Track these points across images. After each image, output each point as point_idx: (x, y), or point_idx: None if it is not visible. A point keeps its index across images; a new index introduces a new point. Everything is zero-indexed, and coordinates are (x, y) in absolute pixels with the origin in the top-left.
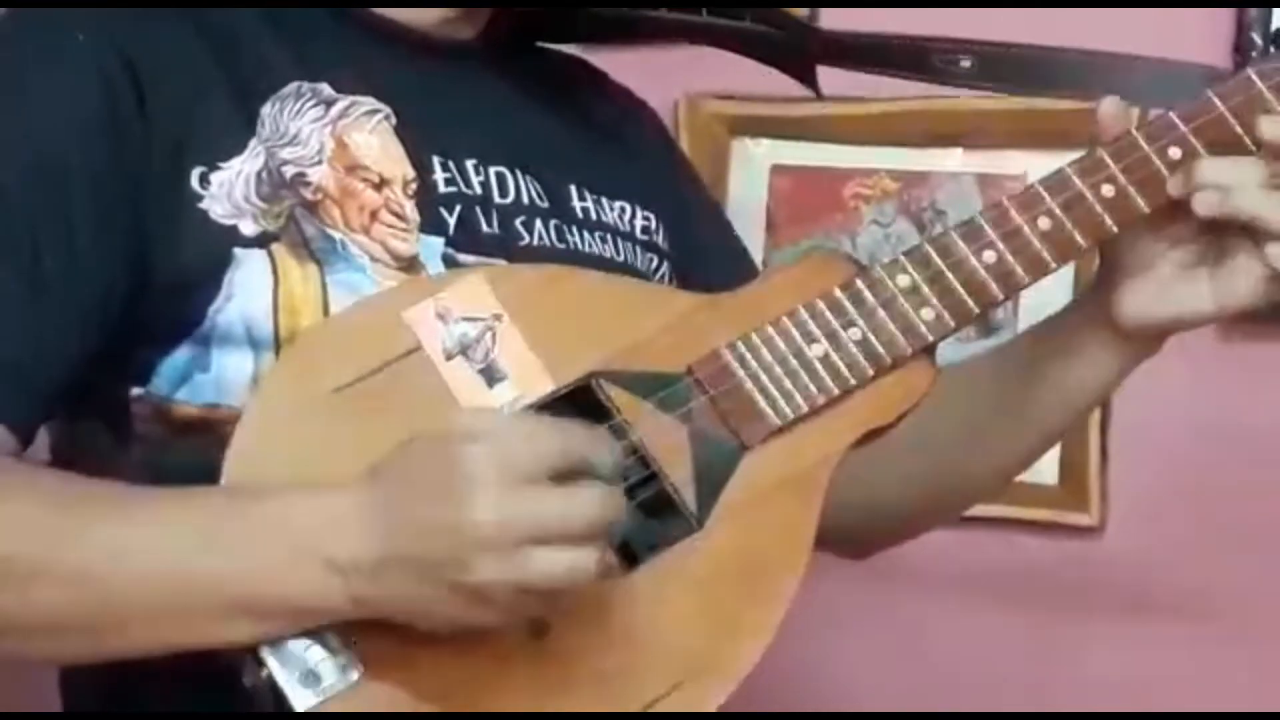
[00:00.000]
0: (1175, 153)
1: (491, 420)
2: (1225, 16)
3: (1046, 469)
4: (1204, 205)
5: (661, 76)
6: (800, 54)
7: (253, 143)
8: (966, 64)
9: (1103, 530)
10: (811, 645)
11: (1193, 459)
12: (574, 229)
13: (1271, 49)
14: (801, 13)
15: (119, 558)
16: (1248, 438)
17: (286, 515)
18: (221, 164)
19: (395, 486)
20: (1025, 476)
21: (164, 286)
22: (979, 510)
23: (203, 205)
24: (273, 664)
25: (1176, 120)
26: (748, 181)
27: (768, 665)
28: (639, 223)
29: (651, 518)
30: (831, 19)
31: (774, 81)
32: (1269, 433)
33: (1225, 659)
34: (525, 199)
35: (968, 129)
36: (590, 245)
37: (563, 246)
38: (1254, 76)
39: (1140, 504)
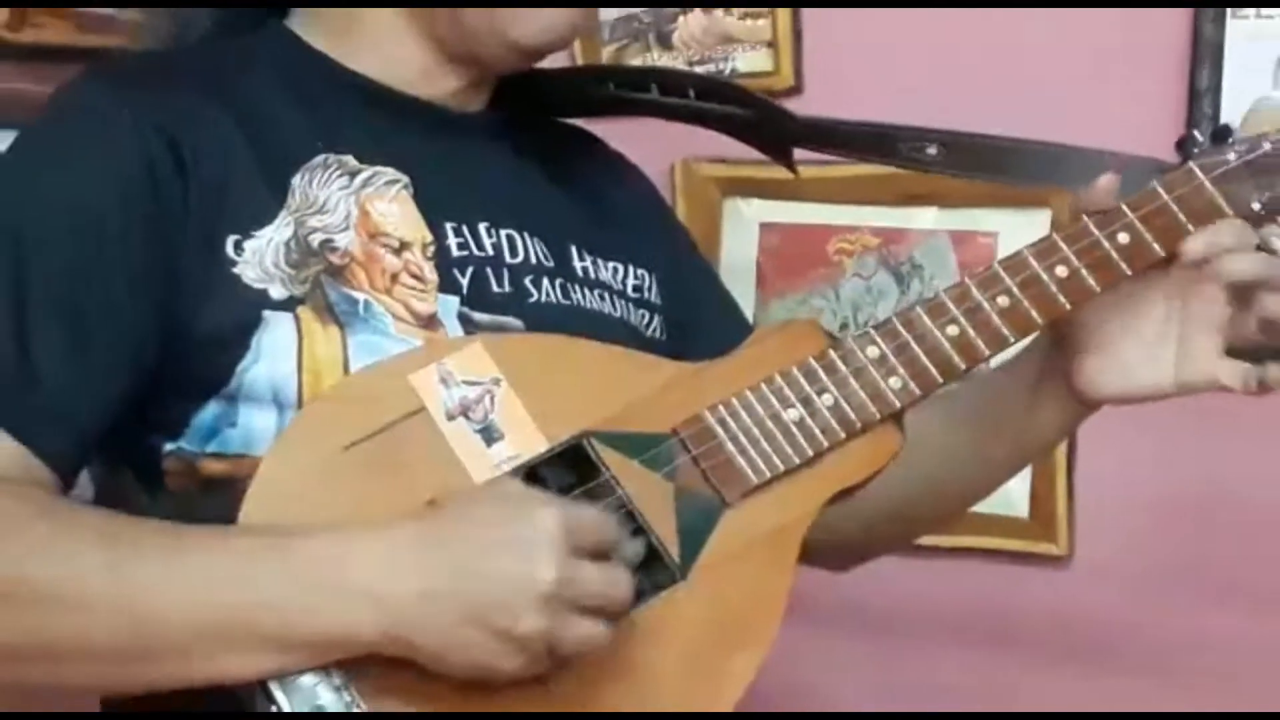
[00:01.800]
0: (1124, 238)
1: (549, 494)
2: (1173, 114)
3: (1018, 502)
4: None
5: (659, 141)
6: (778, 137)
7: (282, 214)
8: (932, 151)
9: (1070, 559)
10: (792, 668)
11: (1155, 491)
12: (576, 286)
13: (1211, 145)
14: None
15: (156, 589)
16: (1207, 471)
17: (329, 549)
18: (254, 233)
19: (461, 529)
20: (999, 510)
21: (197, 345)
22: (958, 540)
23: (236, 270)
24: (281, 699)
25: (1125, 209)
26: (739, 238)
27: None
28: (630, 281)
29: (638, 569)
30: (816, 101)
31: None
32: (1227, 466)
33: (1184, 676)
34: (533, 259)
35: (942, 189)
36: (591, 302)
37: (567, 303)
38: (1195, 169)
39: (1106, 534)
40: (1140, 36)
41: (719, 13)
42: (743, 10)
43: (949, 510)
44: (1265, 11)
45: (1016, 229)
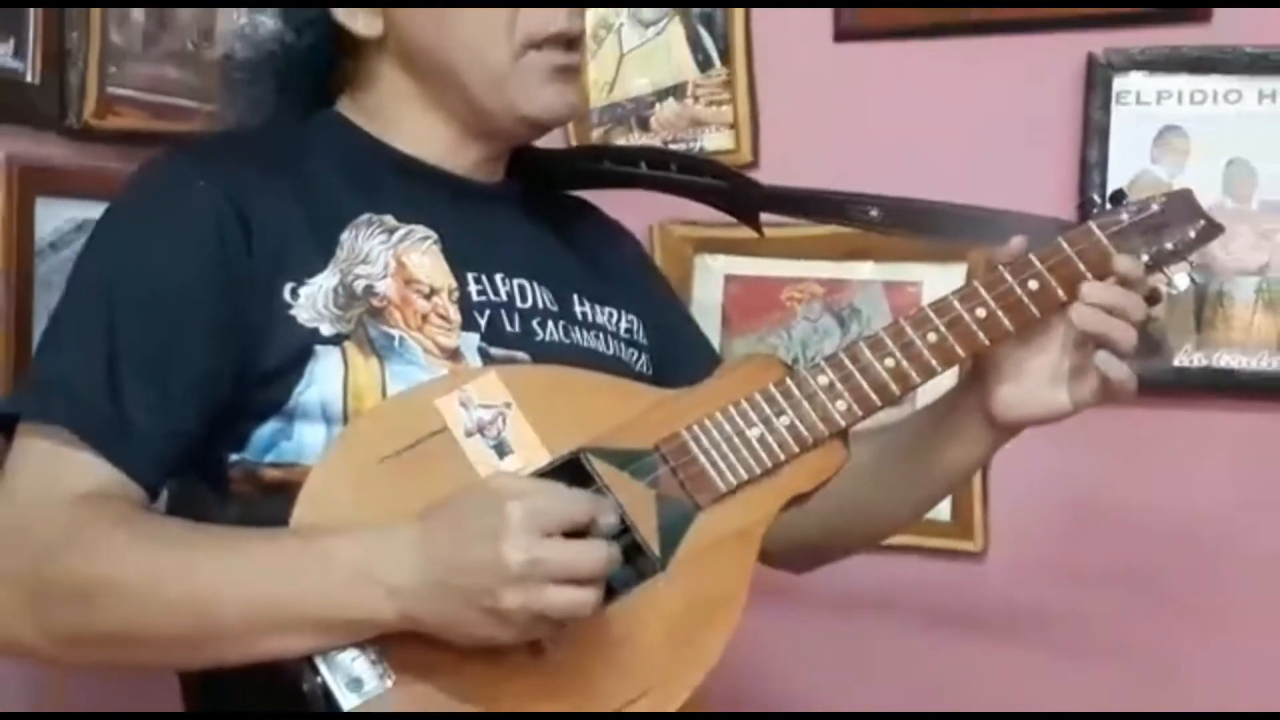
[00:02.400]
0: (1034, 285)
1: (526, 483)
2: (1068, 186)
3: (941, 507)
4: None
5: (641, 207)
6: (747, 203)
7: (331, 265)
8: (875, 213)
9: (985, 554)
10: (750, 650)
11: (1057, 497)
12: (576, 328)
13: (1106, 206)
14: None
15: (217, 585)
16: (1100, 481)
17: (352, 549)
18: (307, 281)
19: (447, 527)
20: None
21: (261, 374)
22: (893, 540)
23: (292, 312)
24: (325, 672)
25: (1034, 259)
26: (708, 288)
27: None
28: (623, 324)
29: (626, 562)
30: (771, 174)
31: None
32: (1117, 477)
33: (1080, 654)
34: (540, 304)
35: (876, 247)
36: (589, 341)
37: (568, 342)
38: (1093, 227)
39: (1015, 534)
40: (1041, 121)
41: (689, 101)
42: (709, 98)
43: (891, 524)
44: (1144, 99)
45: (938, 279)
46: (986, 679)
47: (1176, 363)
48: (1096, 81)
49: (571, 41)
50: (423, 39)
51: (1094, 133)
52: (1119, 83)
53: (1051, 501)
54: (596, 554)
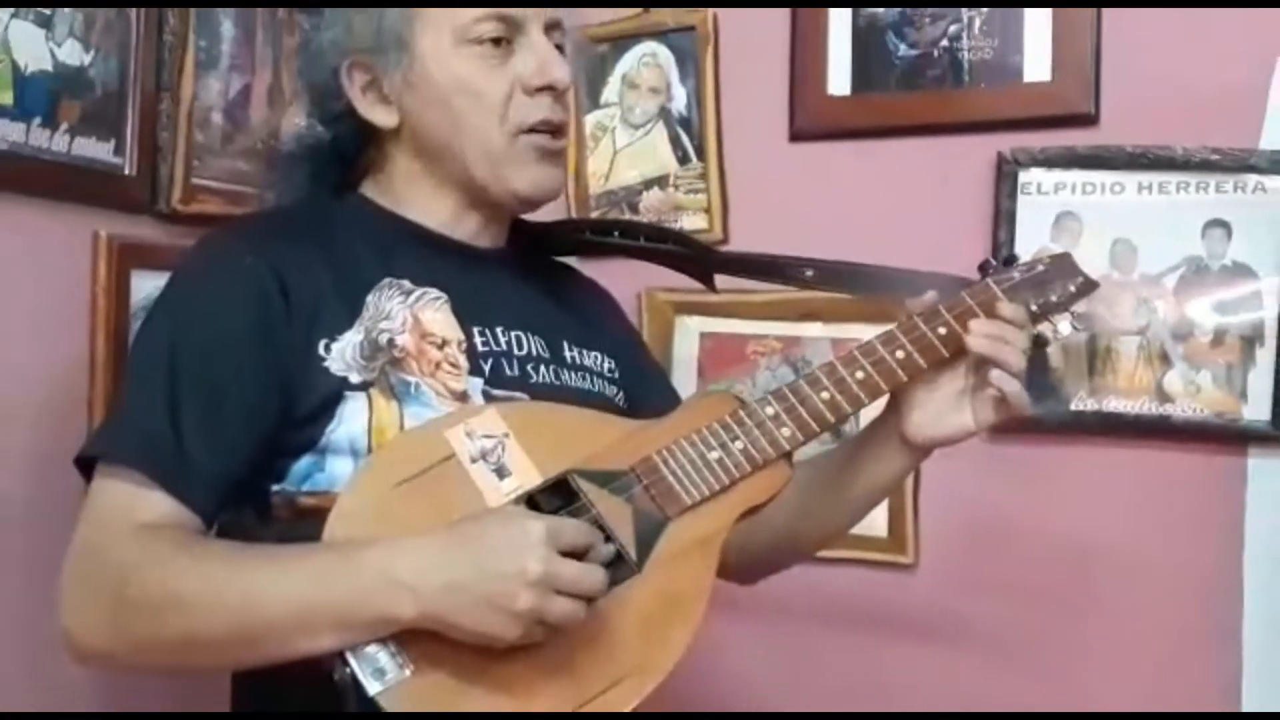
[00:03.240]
0: (942, 330)
1: (538, 514)
2: (977, 247)
3: (878, 523)
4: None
5: (632, 276)
6: (703, 267)
7: (357, 323)
8: (810, 274)
9: (917, 566)
10: (709, 653)
11: (978, 517)
12: (566, 371)
13: (1002, 266)
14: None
15: (263, 595)
16: (1016, 503)
17: (378, 557)
18: (338, 337)
19: (472, 539)
20: (865, 530)
21: (299, 417)
22: (832, 553)
23: (326, 364)
24: (354, 664)
25: (942, 309)
26: (686, 343)
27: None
28: (606, 364)
29: (607, 565)
30: (739, 248)
31: None
32: (1030, 500)
33: (999, 655)
34: (534, 352)
35: (825, 310)
36: (576, 381)
37: (558, 383)
38: (991, 283)
39: (942, 548)
40: (959, 207)
41: (671, 189)
42: (687, 187)
43: (828, 533)
44: (1044, 190)
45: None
46: (917, 676)
47: (1073, 407)
48: (1004, 175)
49: (556, 130)
50: (432, 127)
51: (1003, 217)
52: (1023, 176)
53: (972, 521)
54: (597, 575)
